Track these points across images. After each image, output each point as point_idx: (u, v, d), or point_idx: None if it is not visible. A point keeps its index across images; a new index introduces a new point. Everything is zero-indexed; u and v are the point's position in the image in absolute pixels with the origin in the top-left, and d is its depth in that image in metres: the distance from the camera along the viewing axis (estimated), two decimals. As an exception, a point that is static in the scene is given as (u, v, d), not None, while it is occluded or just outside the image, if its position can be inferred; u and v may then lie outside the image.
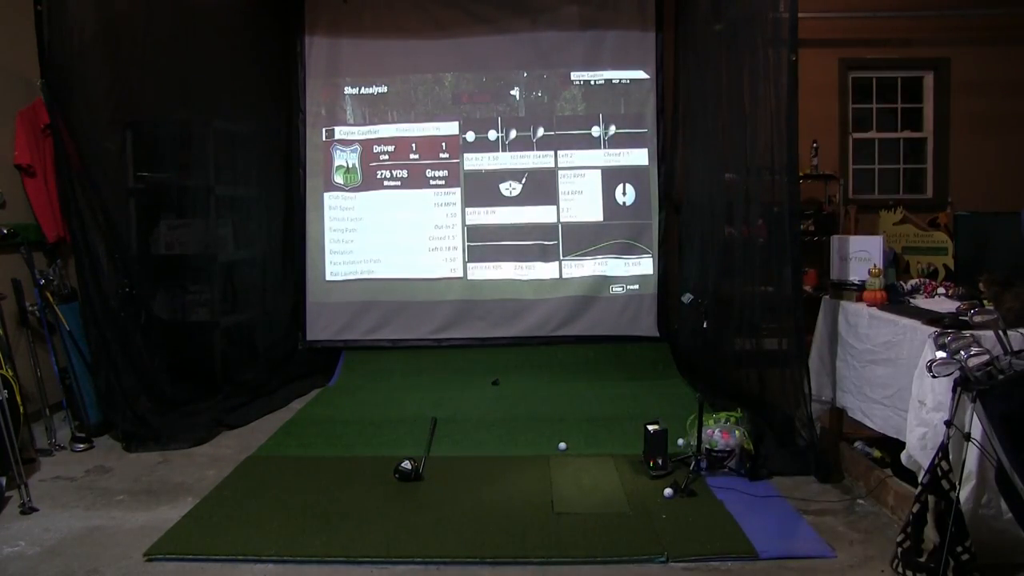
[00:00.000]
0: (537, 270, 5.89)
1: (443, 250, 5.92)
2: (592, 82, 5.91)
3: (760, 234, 4.11)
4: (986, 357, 2.43)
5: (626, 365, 5.63)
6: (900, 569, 2.52)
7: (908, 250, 5.38)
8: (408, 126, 5.93)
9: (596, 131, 5.93)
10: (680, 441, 3.71)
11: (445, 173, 5.92)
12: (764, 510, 3.12)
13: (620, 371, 5.54)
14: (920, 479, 2.55)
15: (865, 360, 3.32)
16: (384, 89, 5.94)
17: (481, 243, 5.89)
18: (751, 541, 2.80)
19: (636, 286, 5.94)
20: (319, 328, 5.92)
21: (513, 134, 5.91)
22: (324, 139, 5.94)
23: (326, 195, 5.94)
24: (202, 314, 4.92)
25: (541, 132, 5.93)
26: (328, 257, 5.94)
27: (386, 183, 5.93)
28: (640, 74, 5.91)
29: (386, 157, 5.94)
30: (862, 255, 3.67)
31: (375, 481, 3.46)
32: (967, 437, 2.40)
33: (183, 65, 4.85)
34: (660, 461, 3.48)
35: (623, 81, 5.92)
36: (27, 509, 3.16)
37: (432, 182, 5.92)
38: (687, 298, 3.85)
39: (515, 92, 5.93)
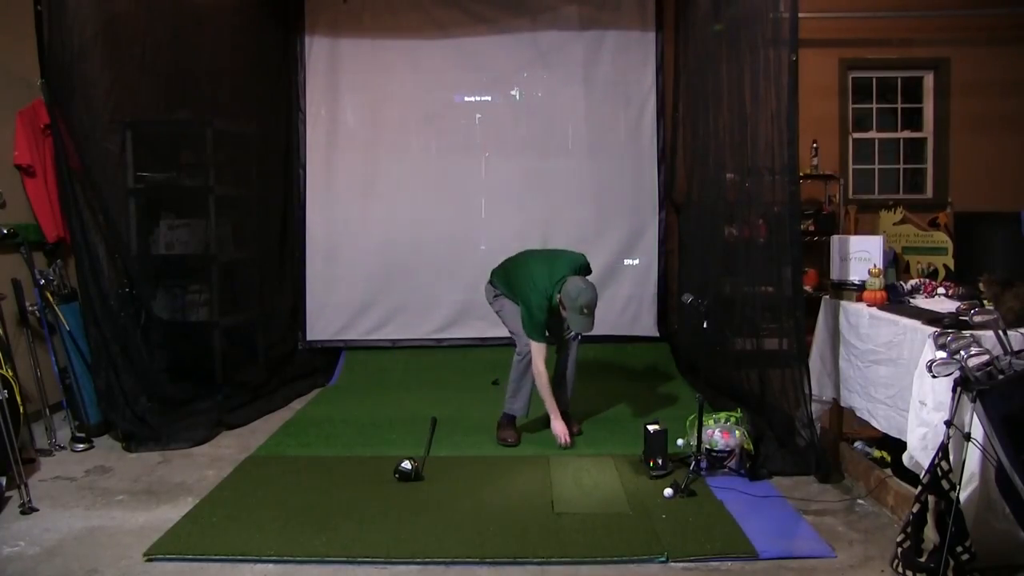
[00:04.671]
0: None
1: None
2: (592, 82, 5.90)
3: (760, 234, 4.12)
4: (986, 357, 2.43)
5: (626, 365, 5.63)
6: (900, 569, 2.52)
7: (908, 250, 5.39)
8: (407, 126, 5.93)
9: (596, 131, 5.92)
10: (680, 441, 3.71)
11: (445, 173, 5.92)
12: (764, 510, 3.12)
13: (620, 371, 5.54)
14: (921, 479, 2.55)
15: (868, 360, 3.32)
16: (384, 89, 5.93)
17: (481, 243, 5.90)
18: (751, 541, 2.80)
19: (636, 286, 5.94)
20: (319, 328, 5.92)
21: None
22: (324, 139, 5.93)
23: (326, 195, 5.93)
24: (202, 314, 4.92)
25: (541, 132, 5.92)
26: (328, 257, 5.93)
27: (386, 183, 5.92)
28: (640, 74, 5.91)
29: (387, 157, 5.93)
30: (862, 255, 3.66)
31: (375, 481, 3.46)
32: (967, 437, 2.40)
33: (183, 65, 4.85)
34: (660, 461, 3.48)
35: (623, 81, 5.91)
36: (27, 509, 3.16)
37: (432, 182, 5.92)
38: (687, 298, 3.85)
39: (515, 92, 5.93)
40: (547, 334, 3.97)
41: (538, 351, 3.91)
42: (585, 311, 3.73)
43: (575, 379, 4.24)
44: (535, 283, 3.89)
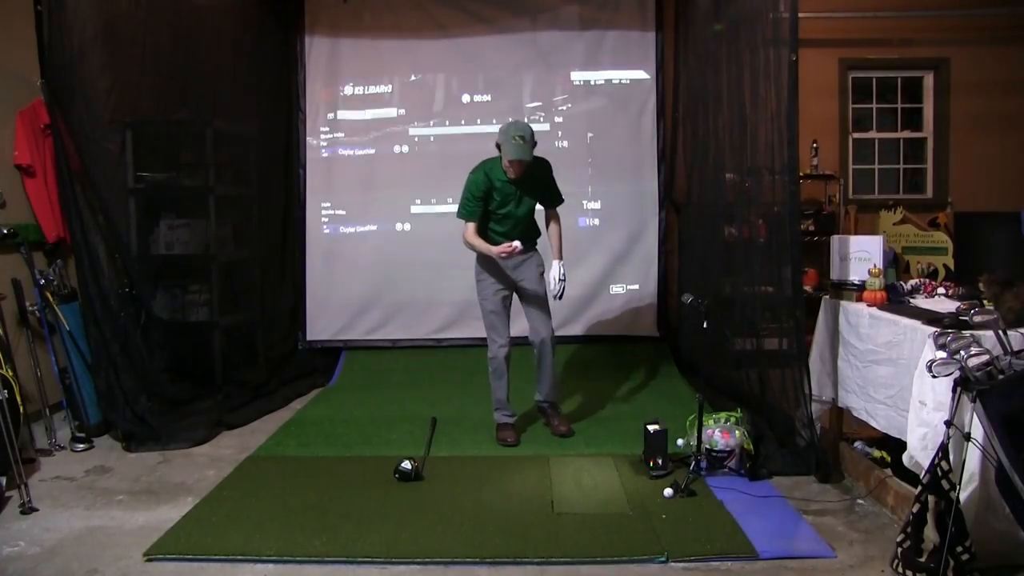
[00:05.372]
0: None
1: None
2: (592, 82, 5.90)
3: (760, 234, 4.12)
4: (986, 357, 2.43)
5: (626, 365, 5.63)
6: (900, 569, 2.52)
7: (908, 250, 5.40)
8: (408, 126, 5.92)
9: (596, 131, 5.92)
10: (680, 441, 3.70)
11: (445, 173, 5.92)
12: (764, 510, 3.12)
13: (620, 371, 5.54)
14: (921, 479, 2.55)
15: (867, 360, 3.32)
16: (384, 89, 5.93)
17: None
18: (751, 541, 2.80)
19: (636, 286, 5.94)
20: (319, 328, 5.92)
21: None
22: (324, 139, 5.93)
23: (326, 195, 5.93)
24: (202, 314, 4.92)
25: (541, 132, 5.91)
26: (328, 257, 5.93)
27: (386, 183, 5.92)
28: (640, 74, 5.91)
29: (387, 157, 5.93)
30: (862, 255, 3.66)
31: (375, 481, 3.46)
32: (967, 437, 2.40)
33: (183, 65, 4.85)
34: (660, 461, 3.49)
35: (623, 81, 5.91)
36: (27, 509, 3.16)
37: (432, 182, 5.91)
38: (687, 298, 3.85)
39: (515, 92, 5.92)
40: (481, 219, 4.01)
41: (467, 228, 3.99)
42: (517, 139, 3.77)
43: (554, 364, 4.21)
44: (480, 164, 4.01)
